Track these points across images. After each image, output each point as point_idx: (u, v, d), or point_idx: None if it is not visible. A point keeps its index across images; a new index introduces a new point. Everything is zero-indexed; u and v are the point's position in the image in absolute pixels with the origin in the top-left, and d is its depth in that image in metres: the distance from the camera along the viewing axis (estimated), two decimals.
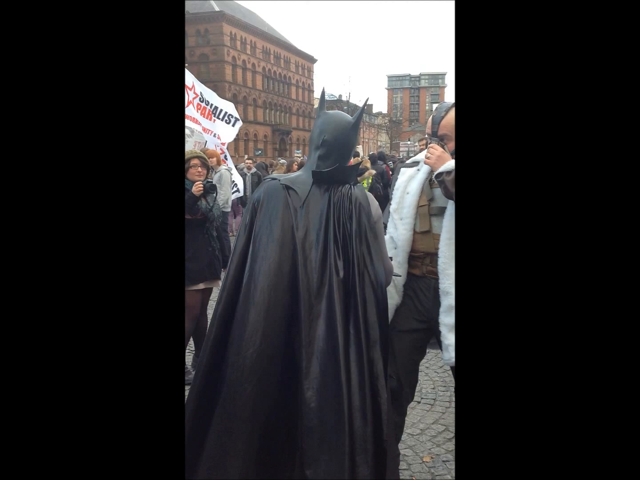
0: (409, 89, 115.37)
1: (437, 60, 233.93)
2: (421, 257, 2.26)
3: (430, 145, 2.19)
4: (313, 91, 67.69)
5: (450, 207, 2.14)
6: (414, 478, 2.66)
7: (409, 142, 30.66)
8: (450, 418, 3.29)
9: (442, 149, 2.16)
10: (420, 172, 2.32)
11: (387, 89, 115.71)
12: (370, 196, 1.98)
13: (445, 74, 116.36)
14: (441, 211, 2.19)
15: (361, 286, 1.81)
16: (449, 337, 2.14)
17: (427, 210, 2.25)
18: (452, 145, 2.16)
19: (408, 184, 2.34)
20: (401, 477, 2.65)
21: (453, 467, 2.74)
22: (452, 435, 3.08)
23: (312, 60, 66.70)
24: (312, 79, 67.21)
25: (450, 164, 2.09)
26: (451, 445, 2.96)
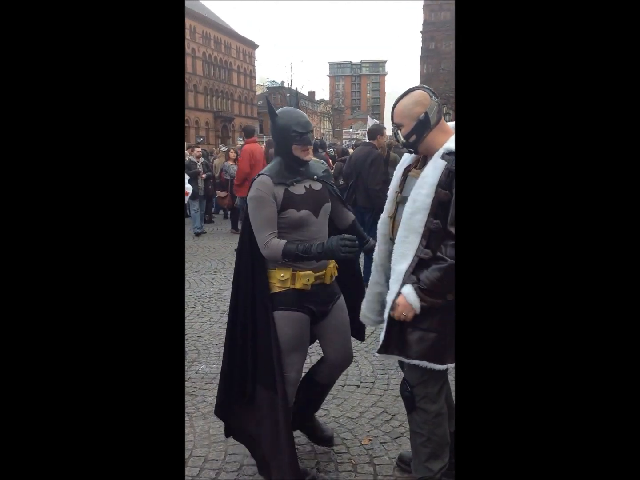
0: (350, 77, 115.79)
1: (377, 48, 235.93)
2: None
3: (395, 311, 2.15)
4: (255, 77, 66.88)
5: (411, 201, 2.12)
6: (352, 461, 2.71)
7: (351, 130, 30.83)
8: (388, 400, 3.37)
9: (404, 303, 2.10)
10: (409, 156, 2.37)
11: (329, 76, 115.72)
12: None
13: (385, 62, 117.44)
14: (405, 200, 2.20)
15: None
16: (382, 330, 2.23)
17: (395, 197, 2.31)
18: (404, 131, 2.17)
19: (398, 169, 2.40)
20: (340, 461, 2.71)
21: (390, 448, 2.82)
22: (390, 416, 3.16)
23: (253, 46, 65.79)
24: (254, 65, 66.36)
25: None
26: (389, 427, 3.04)
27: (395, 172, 2.40)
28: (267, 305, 2.37)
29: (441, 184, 2.05)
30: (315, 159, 2.59)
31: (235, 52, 60.89)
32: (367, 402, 3.36)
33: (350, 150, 10.11)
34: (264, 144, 11.66)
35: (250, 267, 2.42)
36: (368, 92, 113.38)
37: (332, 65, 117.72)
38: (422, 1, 65.93)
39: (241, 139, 42.78)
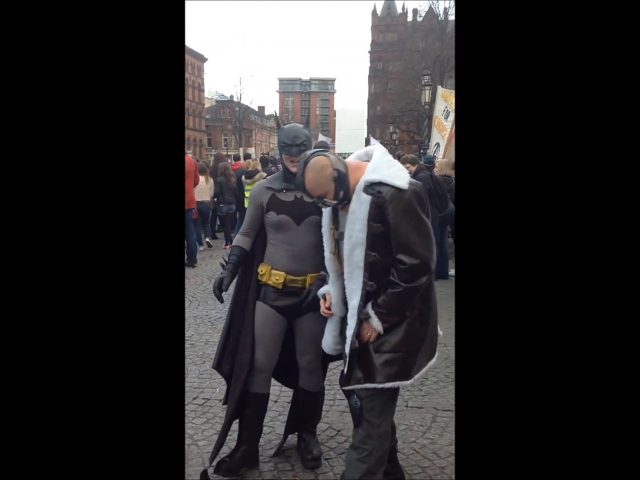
0: (300, 93, 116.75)
1: (326, 66, 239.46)
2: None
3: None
4: (204, 90, 66.40)
5: (347, 237, 2.18)
6: (297, 477, 2.70)
7: None
8: (333, 416, 3.38)
9: (367, 326, 2.19)
10: None
11: (279, 92, 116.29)
12: None
13: (334, 80, 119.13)
14: (341, 236, 2.24)
15: None
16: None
17: (332, 234, 2.33)
18: (330, 196, 2.17)
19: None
20: (285, 478, 2.69)
21: (335, 464, 2.82)
22: (336, 432, 3.17)
23: (202, 59, 65.40)
24: (203, 78, 65.92)
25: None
26: (334, 443, 3.05)
27: (323, 209, 2.42)
28: (253, 293, 2.75)
29: (372, 217, 2.10)
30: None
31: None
32: None
33: None
34: (212, 158, 11.61)
35: (252, 256, 2.80)
36: (317, 109, 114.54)
37: (282, 82, 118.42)
38: (371, 23, 67.46)
39: (190, 151, 42.19)
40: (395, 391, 2.28)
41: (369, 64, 66.25)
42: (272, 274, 2.68)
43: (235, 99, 63.04)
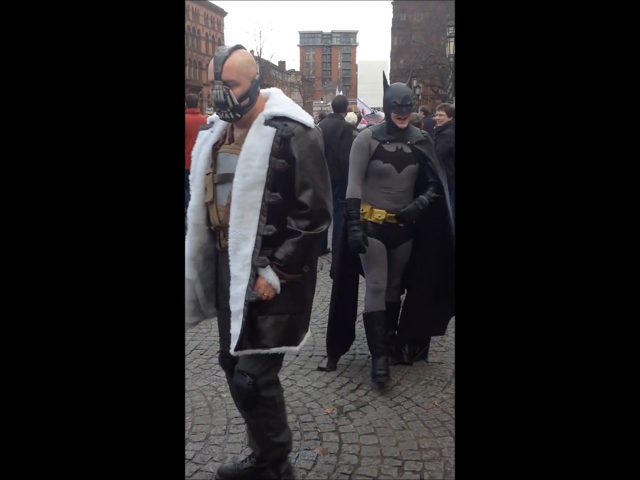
0: (321, 47, 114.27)
1: (348, 19, 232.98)
2: (214, 231, 2.09)
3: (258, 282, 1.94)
4: (224, 45, 65.47)
5: (240, 176, 1.91)
6: (318, 430, 2.76)
7: (321, 102, 30.60)
8: (353, 370, 3.43)
9: (264, 284, 1.92)
10: (212, 134, 2.10)
11: (299, 46, 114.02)
12: None
13: (356, 33, 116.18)
14: (225, 178, 1.97)
15: None
16: (233, 326, 1.96)
17: (211, 179, 2.03)
18: (238, 90, 1.90)
19: (201, 150, 2.10)
20: (306, 430, 2.75)
21: (355, 417, 2.87)
22: (356, 386, 3.21)
23: (222, 13, 64.14)
24: (223, 33, 64.82)
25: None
26: (354, 396, 3.10)
27: (193, 154, 2.13)
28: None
29: (274, 153, 1.89)
30: (416, 128, 3.41)
31: (203, 20, 59.32)
32: (333, 372, 3.40)
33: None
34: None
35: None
36: (339, 63, 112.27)
37: (303, 35, 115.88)
38: None
39: (210, 109, 42.04)
40: (282, 357, 2.08)
41: (391, 16, 64.35)
42: (373, 212, 3.22)
43: (255, 54, 62.13)
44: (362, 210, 3.21)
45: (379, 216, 3.21)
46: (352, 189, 3.20)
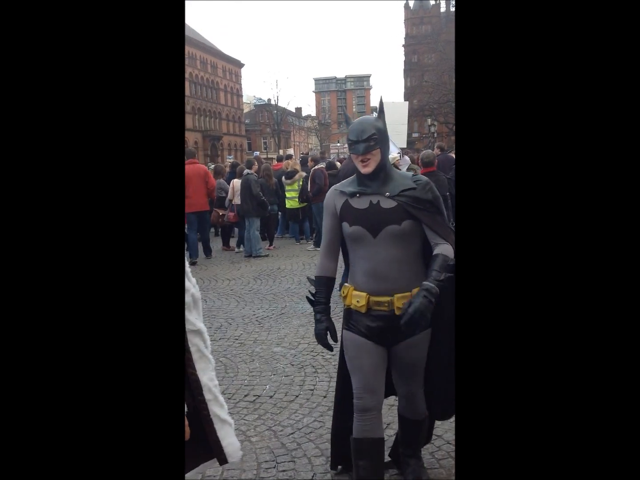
0: (335, 92, 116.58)
1: (361, 63, 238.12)
2: None
3: None
4: (242, 96, 67.23)
5: None
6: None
7: (338, 144, 31.08)
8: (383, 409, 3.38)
9: None
10: None
11: (315, 92, 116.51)
12: None
13: (370, 76, 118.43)
14: None
15: None
16: None
17: None
18: None
19: None
20: (336, 472, 2.71)
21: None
22: (385, 425, 3.17)
23: (239, 64, 66.18)
24: (240, 84, 66.72)
25: None
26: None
27: None
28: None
29: None
30: (405, 172, 2.50)
31: (221, 72, 61.24)
32: None
33: (338, 164, 10.19)
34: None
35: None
36: (354, 106, 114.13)
37: (318, 81, 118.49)
38: (404, 16, 66.78)
39: (231, 156, 42.72)
40: None
41: (403, 58, 65.63)
42: (352, 296, 2.27)
43: (272, 102, 63.64)
44: (343, 292, 2.33)
45: (358, 301, 2.24)
46: (320, 265, 2.39)
